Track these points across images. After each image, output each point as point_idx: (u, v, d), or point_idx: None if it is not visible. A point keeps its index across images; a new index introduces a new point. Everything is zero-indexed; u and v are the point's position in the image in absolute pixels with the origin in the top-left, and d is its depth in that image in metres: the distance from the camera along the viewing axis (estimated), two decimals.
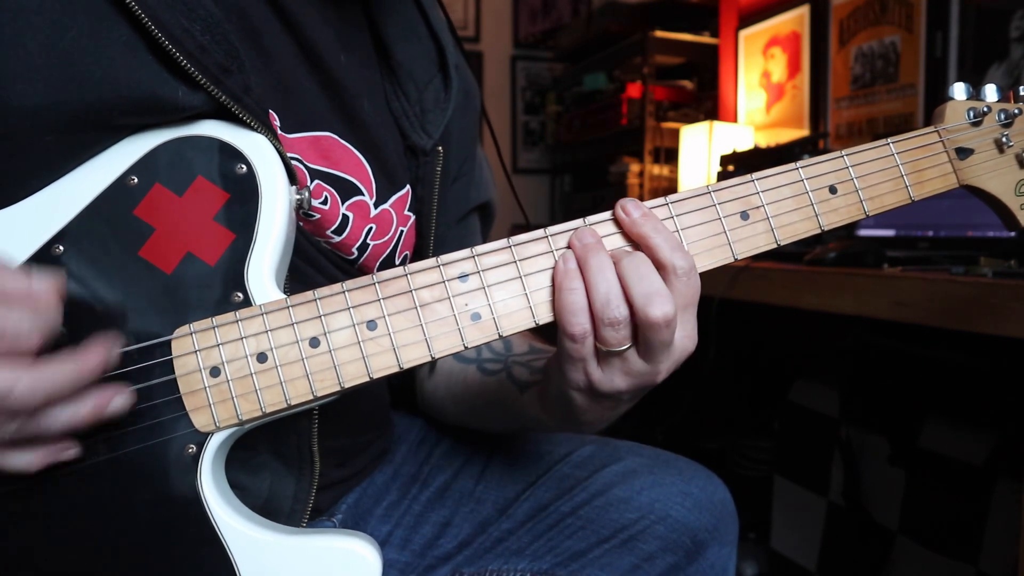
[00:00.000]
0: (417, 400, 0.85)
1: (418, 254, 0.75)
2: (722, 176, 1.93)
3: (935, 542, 1.34)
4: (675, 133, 2.69)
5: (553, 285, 0.53)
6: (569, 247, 0.53)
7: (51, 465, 0.46)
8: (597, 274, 0.51)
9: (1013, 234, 1.27)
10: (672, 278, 0.51)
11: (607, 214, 0.55)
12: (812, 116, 2.31)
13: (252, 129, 0.52)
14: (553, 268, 0.53)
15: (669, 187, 2.83)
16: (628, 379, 0.53)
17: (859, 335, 1.58)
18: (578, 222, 0.54)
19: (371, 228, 0.67)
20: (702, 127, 2.43)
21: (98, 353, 0.46)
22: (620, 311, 0.50)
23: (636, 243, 0.53)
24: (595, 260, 0.51)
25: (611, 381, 0.53)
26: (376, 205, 0.67)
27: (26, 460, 0.45)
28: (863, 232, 1.57)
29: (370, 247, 0.68)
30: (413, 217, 0.73)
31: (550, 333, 0.56)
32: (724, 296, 1.46)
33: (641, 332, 0.51)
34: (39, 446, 0.45)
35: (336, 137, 0.64)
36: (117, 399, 0.47)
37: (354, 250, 0.66)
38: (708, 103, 2.91)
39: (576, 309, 0.51)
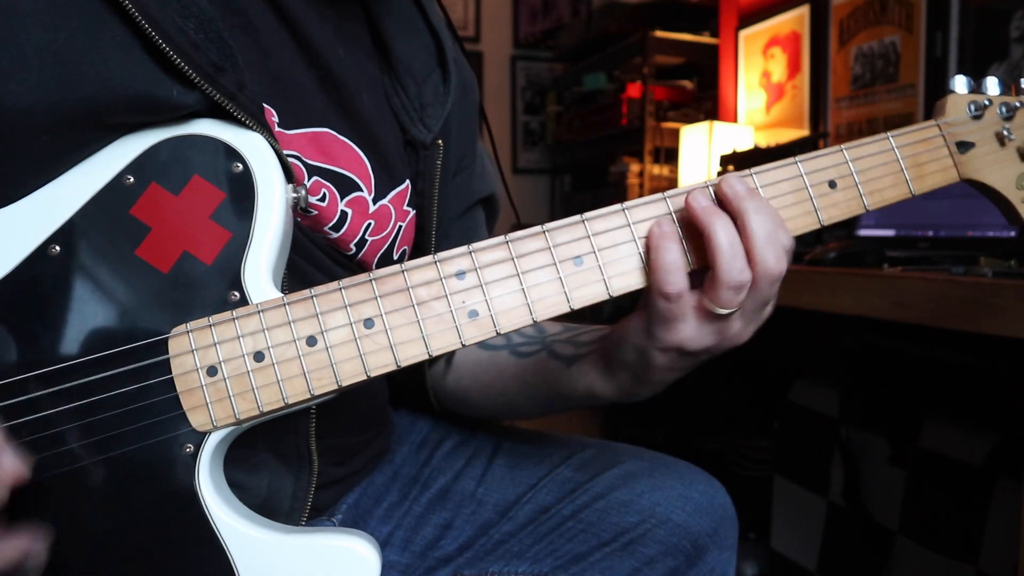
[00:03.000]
0: (431, 397, 0.83)
1: (418, 249, 0.74)
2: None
3: (935, 542, 1.34)
4: (675, 133, 2.69)
5: (647, 245, 0.53)
6: (718, 197, 0.54)
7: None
8: (722, 232, 0.51)
9: (1013, 234, 1.28)
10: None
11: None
12: (812, 116, 2.31)
13: (248, 128, 0.52)
14: (648, 232, 0.54)
15: (669, 187, 2.81)
16: (719, 337, 0.55)
17: (859, 335, 1.58)
18: (575, 218, 0.54)
19: (370, 224, 0.67)
20: (702, 127, 2.43)
21: (16, 548, 0.46)
22: (747, 274, 0.52)
23: (734, 213, 0.53)
24: (720, 222, 0.52)
25: (703, 339, 0.54)
26: (375, 201, 0.67)
27: None
28: (863, 232, 1.57)
29: (368, 243, 0.67)
30: (412, 212, 0.73)
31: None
32: None
33: (756, 288, 0.52)
34: None
35: (334, 133, 0.64)
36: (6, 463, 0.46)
37: (352, 246, 0.66)
38: (708, 103, 2.92)
39: (673, 268, 0.52)
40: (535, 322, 0.53)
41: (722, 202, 0.54)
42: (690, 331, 0.54)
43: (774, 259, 0.52)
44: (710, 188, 0.54)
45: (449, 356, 0.82)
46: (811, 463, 1.63)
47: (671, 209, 0.55)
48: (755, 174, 0.56)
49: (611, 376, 0.63)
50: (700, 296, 0.53)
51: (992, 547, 1.24)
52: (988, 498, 1.25)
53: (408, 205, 0.72)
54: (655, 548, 0.67)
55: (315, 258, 0.64)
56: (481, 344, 0.77)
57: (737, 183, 0.54)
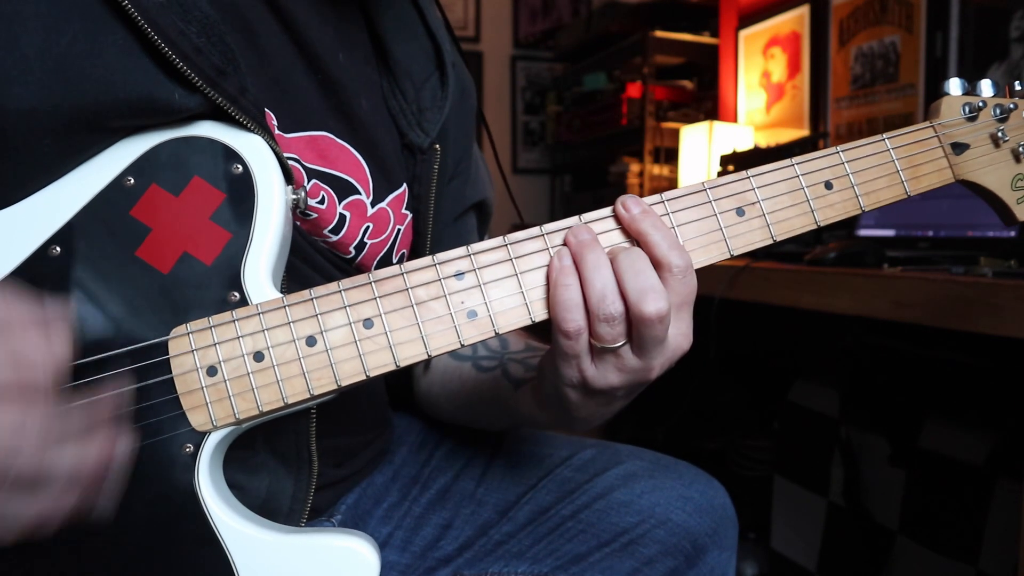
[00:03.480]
0: (414, 398, 0.85)
1: (415, 252, 0.75)
2: (721, 176, 1.92)
3: (935, 542, 1.34)
4: (675, 133, 2.69)
5: (548, 282, 0.53)
6: (565, 244, 0.53)
7: (47, 521, 0.43)
8: (592, 270, 0.51)
9: (1013, 234, 1.28)
10: (668, 275, 0.52)
11: (606, 211, 0.55)
12: (812, 116, 2.31)
13: (248, 130, 0.52)
14: (548, 264, 0.53)
15: (669, 187, 2.81)
16: (622, 375, 0.53)
17: (859, 335, 1.58)
18: (574, 219, 0.54)
19: (368, 227, 0.67)
20: (702, 127, 2.43)
21: (109, 401, 0.46)
22: (615, 307, 0.50)
23: (635, 240, 0.53)
24: (591, 256, 0.51)
25: (605, 377, 0.53)
26: (373, 204, 0.67)
27: (25, 508, 0.42)
28: (863, 232, 1.57)
29: (367, 246, 0.68)
30: (410, 216, 0.73)
31: (546, 331, 0.56)
32: (724, 296, 1.46)
33: (635, 328, 0.51)
34: (40, 494, 0.42)
35: (333, 136, 0.64)
36: (122, 443, 0.46)
37: (351, 249, 0.66)
38: (708, 103, 2.91)
39: (571, 305, 0.51)
40: (533, 322, 0.53)
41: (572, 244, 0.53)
42: (588, 368, 0.53)
43: (644, 299, 0.50)
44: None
45: (427, 361, 0.82)
46: (811, 463, 1.63)
47: (669, 212, 0.55)
48: (752, 176, 0.56)
49: (544, 408, 0.63)
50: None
51: (992, 547, 1.24)
52: (988, 498, 1.25)
53: (406, 208, 0.72)
54: (655, 548, 0.67)
55: (314, 261, 0.64)
56: (451, 354, 0.78)
57: (580, 231, 0.53)
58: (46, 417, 0.40)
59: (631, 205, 0.53)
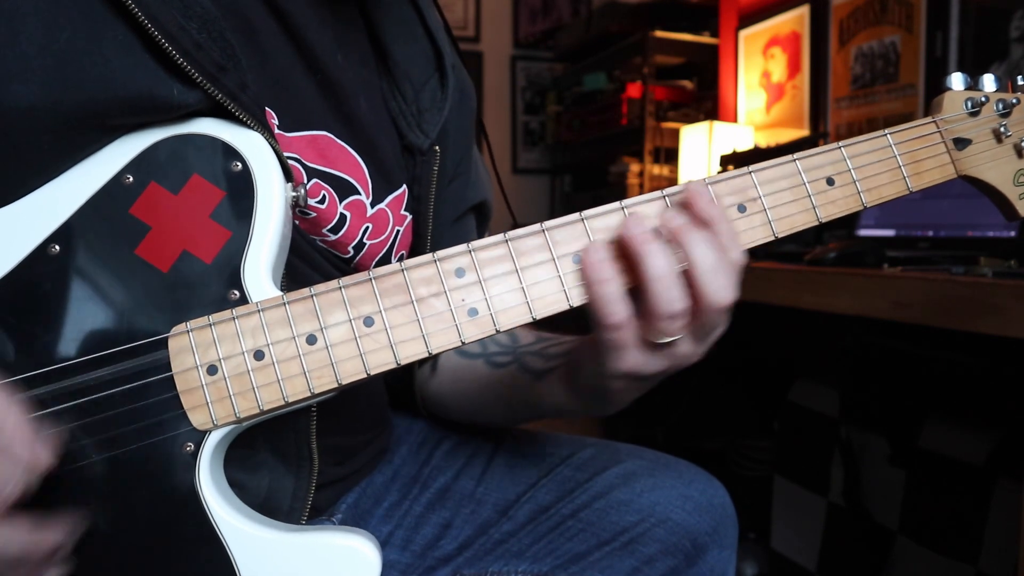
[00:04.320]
0: (417, 400, 0.84)
1: (414, 254, 0.74)
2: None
3: (935, 542, 1.34)
4: (675, 133, 2.69)
5: (584, 277, 0.52)
6: (621, 240, 0.52)
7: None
8: (654, 262, 0.50)
9: (1013, 234, 1.28)
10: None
11: (645, 197, 0.54)
12: (812, 116, 2.32)
13: (248, 127, 0.52)
14: (581, 261, 0.52)
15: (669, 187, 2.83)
16: (671, 360, 0.54)
17: (859, 335, 1.58)
18: (574, 216, 0.54)
19: (368, 227, 0.67)
20: (702, 127, 2.43)
21: (57, 535, 0.46)
22: (682, 303, 0.51)
23: (676, 244, 0.52)
24: (653, 250, 0.51)
25: (652, 364, 0.54)
26: (372, 205, 0.67)
27: None
28: (863, 232, 1.57)
29: (366, 246, 0.68)
30: (409, 217, 0.73)
31: (554, 326, 0.56)
32: None
33: (701, 316, 0.51)
34: None
35: (332, 136, 0.64)
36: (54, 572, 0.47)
37: (350, 249, 0.66)
38: (708, 103, 2.92)
39: (613, 299, 0.51)
40: (535, 319, 0.53)
41: (665, 229, 0.52)
42: (638, 358, 0.53)
43: (721, 290, 0.51)
44: (668, 199, 0.54)
45: (434, 361, 0.82)
46: (811, 463, 1.63)
47: (670, 206, 0.55)
48: (753, 172, 0.56)
49: (575, 394, 0.63)
50: (642, 325, 0.52)
51: (992, 547, 1.24)
52: (988, 498, 1.25)
53: (405, 210, 0.72)
54: (655, 547, 0.67)
55: (313, 261, 0.64)
56: (460, 352, 0.78)
57: (673, 216, 0.52)
58: None
59: (674, 217, 0.52)
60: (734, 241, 0.53)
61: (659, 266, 0.50)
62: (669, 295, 0.50)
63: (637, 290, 0.52)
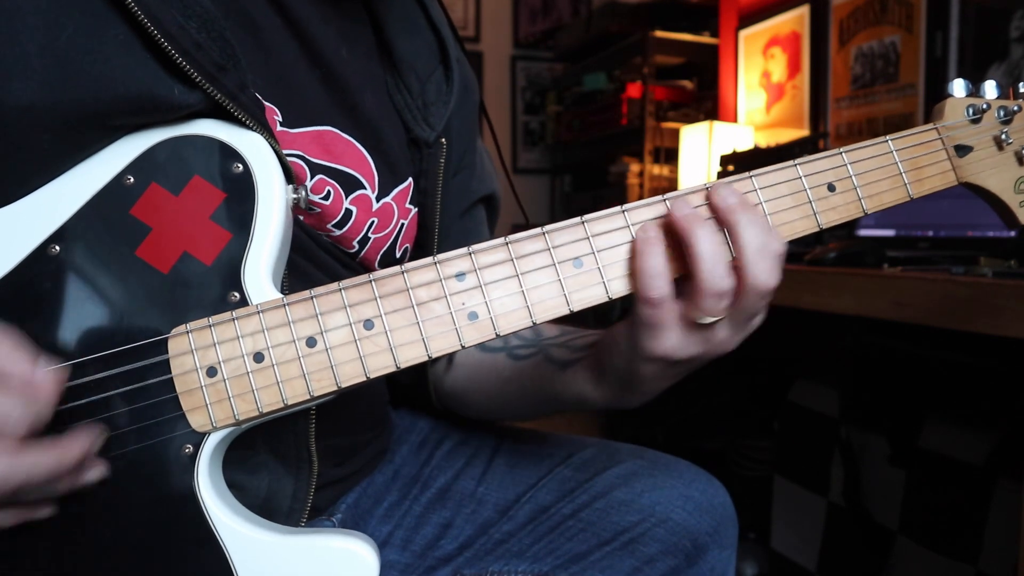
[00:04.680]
0: (431, 395, 0.84)
1: (420, 246, 0.75)
2: (722, 176, 1.92)
3: (935, 542, 1.34)
4: (675, 133, 2.69)
5: (632, 250, 0.53)
6: (669, 222, 0.52)
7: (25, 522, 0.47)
8: (704, 240, 0.50)
9: (1013, 234, 1.28)
10: None
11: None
12: (812, 116, 2.31)
13: (248, 128, 0.52)
14: (634, 238, 0.53)
15: (669, 187, 2.83)
16: (706, 346, 0.54)
17: (859, 335, 1.58)
18: (575, 220, 0.54)
19: (373, 221, 0.67)
20: (702, 127, 2.43)
21: (80, 445, 0.46)
22: (728, 281, 0.51)
23: (725, 225, 0.53)
24: (702, 229, 0.51)
25: (688, 348, 0.53)
26: (378, 198, 0.67)
27: None
28: (863, 232, 1.57)
29: (371, 240, 0.68)
30: (414, 210, 0.73)
31: (577, 321, 0.56)
32: None
33: (744, 299, 0.52)
34: (11, 509, 0.46)
35: (338, 131, 0.64)
36: (92, 473, 0.47)
37: (355, 243, 0.66)
38: (708, 103, 2.92)
39: (655, 272, 0.51)
40: (535, 324, 0.53)
41: (713, 211, 0.53)
42: (675, 340, 0.53)
43: (766, 272, 0.51)
44: (702, 193, 0.54)
45: (451, 356, 0.82)
46: (811, 463, 1.63)
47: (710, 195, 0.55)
48: (754, 177, 0.56)
49: (601, 383, 0.63)
50: (684, 304, 0.52)
51: (992, 547, 1.24)
52: (988, 498, 1.25)
53: (411, 203, 0.72)
54: (655, 547, 0.67)
55: (316, 257, 0.64)
56: (480, 346, 0.77)
57: (729, 194, 0.53)
58: (11, 468, 0.43)
59: (726, 194, 0.53)
60: (769, 226, 0.53)
61: (708, 242, 0.51)
62: (717, 270, 0.50)
63: (682, 275, 0.52)
